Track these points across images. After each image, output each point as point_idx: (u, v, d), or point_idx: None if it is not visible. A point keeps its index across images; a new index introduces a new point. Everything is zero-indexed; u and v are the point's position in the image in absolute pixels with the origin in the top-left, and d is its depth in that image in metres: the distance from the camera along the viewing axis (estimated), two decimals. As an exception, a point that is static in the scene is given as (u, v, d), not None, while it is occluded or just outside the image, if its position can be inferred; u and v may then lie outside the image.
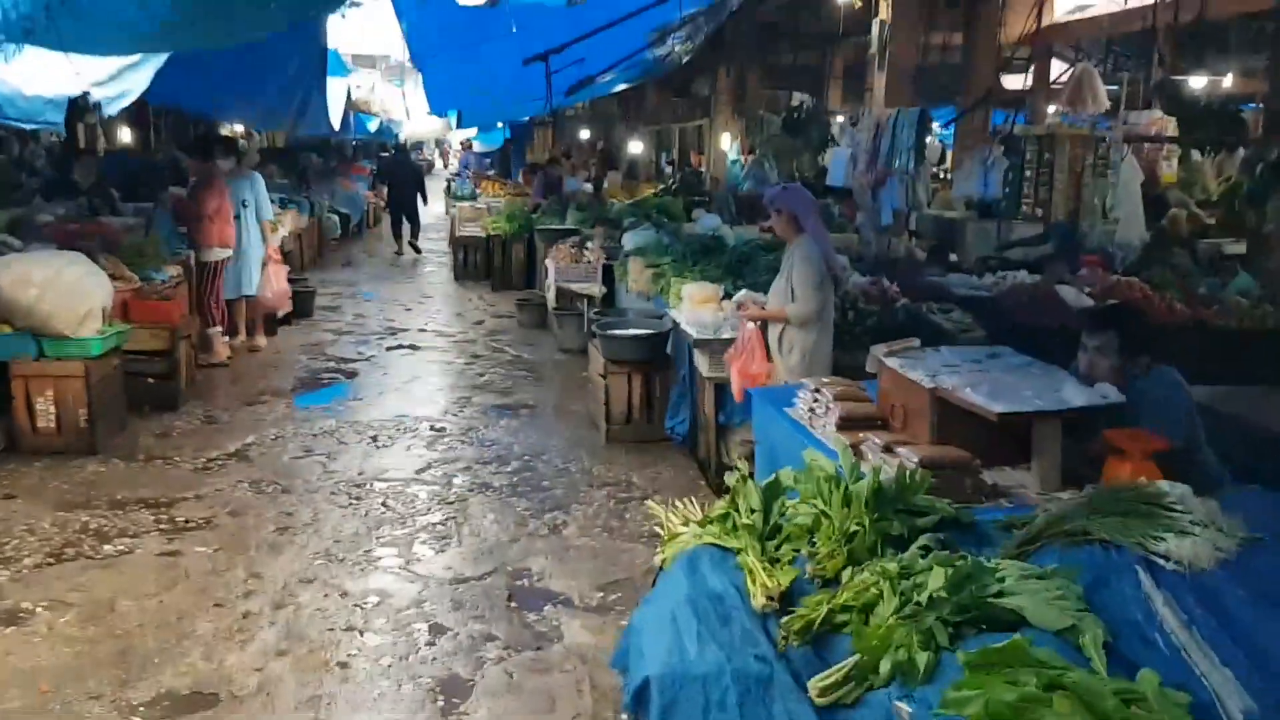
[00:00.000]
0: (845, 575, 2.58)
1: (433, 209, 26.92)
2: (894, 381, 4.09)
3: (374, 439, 6.95)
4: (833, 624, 2.45)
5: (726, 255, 8.27)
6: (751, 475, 3.32)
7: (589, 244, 10.96)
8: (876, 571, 2.49)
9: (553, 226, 13.14)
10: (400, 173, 17.54)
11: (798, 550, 2.77)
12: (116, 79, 6.54)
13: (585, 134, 23.66)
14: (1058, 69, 15.04)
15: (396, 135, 25.67)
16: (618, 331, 7.11)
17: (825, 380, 4.43)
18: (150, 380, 7.48)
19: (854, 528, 2.70)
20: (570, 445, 6.91)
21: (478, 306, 12.69)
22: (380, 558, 5.03)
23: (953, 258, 9.80)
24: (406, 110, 16.27)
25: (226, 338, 9.03)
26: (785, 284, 5.74)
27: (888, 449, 3.67)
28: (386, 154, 26.28)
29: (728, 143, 14.77)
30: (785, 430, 4.43)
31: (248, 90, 7.06)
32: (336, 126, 10.45)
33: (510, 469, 6.42)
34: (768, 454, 4.79)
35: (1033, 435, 3.58)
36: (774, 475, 3.07)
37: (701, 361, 6.44)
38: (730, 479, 3.15)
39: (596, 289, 10.30)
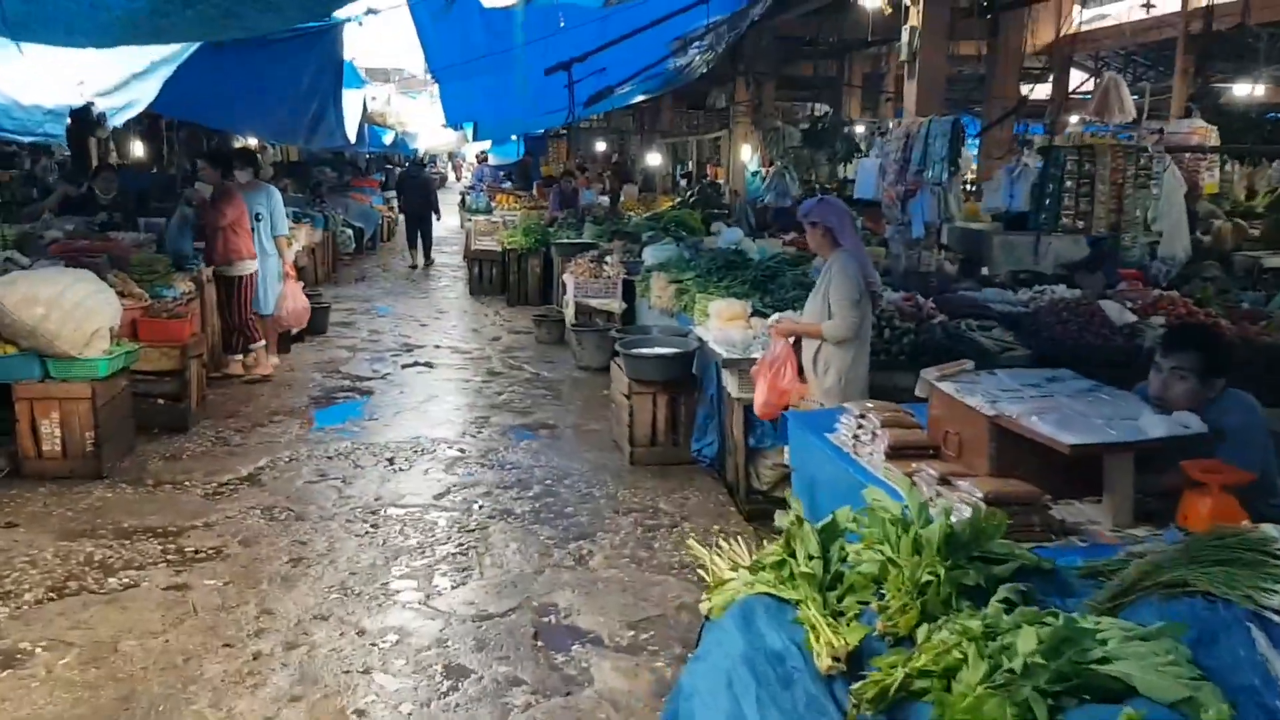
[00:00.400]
0: (920, 633, 2.31)
1: (447, 222, 26.83)
2: (948, 407, 3.81)
3: (390, 461, 6.72)
4: (910, 690, 2.18)
5: (751, 270, 8.02)
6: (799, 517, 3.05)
7: (608, 259, 10.73)
8: (957, 630, 2.22)
9: (570, 240, 12.92)
10: (413, 186, 17.82)
11: (864, 603, 2.50)
12: (123, 88, 6.29)
13: (601, 146, 23.47)
14: (1076, 79, 14.85)
15: (415, 150, 25.59)
16: (643, 351, 6.86)
17: (870, 404, 4.16)
18: (160, 401, 7.27)
19: (927, 578, 2.43)
20: (593, 469, 6.66)
21: (494, 322, 12.47)
22: (398, 591, 4.78)
23: (983, 271, 9.57)
24: (422, 123, 16.09)
25: (268, 353, 9.02)
26: (821, 301, 5.49)
27: (944, 481, 3.40)
28: (400, 168, 26.17)
29: (747, 154, 14.55)
30: (826, 457, 4.17)
31: (261, 102, 6.82)
32: (352, 139, 10.21)
33: (532, 494, 6.16)
34: (806, 482, 4.52)
35: (1104, 467, 3.31)
36: (831, 516, 2.80)
37: (730, 382, 6.18)
38: (783, 520, 2.89)
39: (616, 305, 10.07)
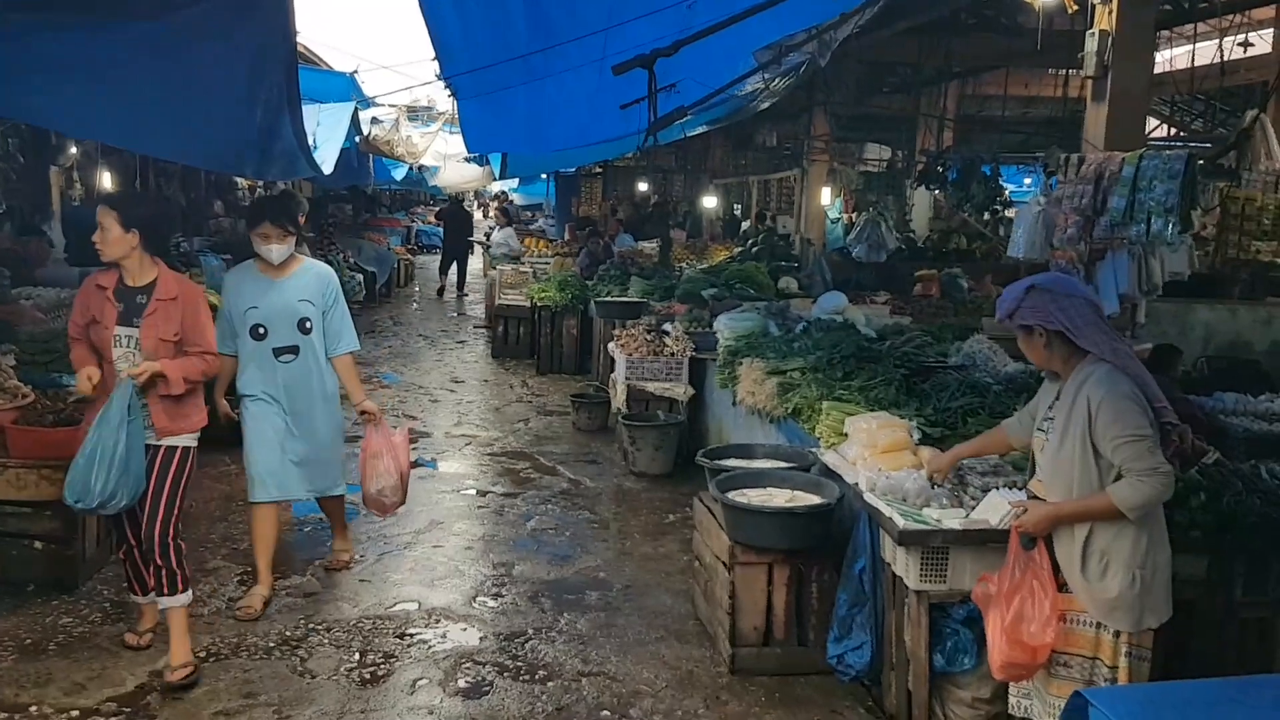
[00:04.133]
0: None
1: (470, 266, 24.74)
2: None
3: (360, 661, 4.37)
4: None
5: (889, 362, 5.65)
6: None
7: (668, 327, 8.43)
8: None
9: (615, 299, 10.64)
10: (455, 221, 19.27)
11: None
12: None
13: (643, 186, 21.30)
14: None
15: (436, 187, 23.55)
16: (752, 498, 4.48)
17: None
18: (36, 545, 4.98)
19: None
20: (674, 683, 4.28)
21: (521, 397, 10.16)
22: None
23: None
24: (439, 156, 14.05)
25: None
26: (1078, 448, 3.17)
27: None
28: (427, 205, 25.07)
29: (827, 198, 12.23)
30: None
31: (178, 112, 4.55)
32: (328, 170, 7.67)
33: (581, 742, 3.81)
34: None
35: None
36: None
37: (900, 560, 3.84)
38: None
39: (682, 391, 7.76)
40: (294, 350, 4.88)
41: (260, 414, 4.89)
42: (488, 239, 18.45)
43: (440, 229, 22.62)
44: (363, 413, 5.12)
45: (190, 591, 4.21)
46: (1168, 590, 3.23)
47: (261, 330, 4.83)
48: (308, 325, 4.90)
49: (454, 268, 19.19)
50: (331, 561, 5.44)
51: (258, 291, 4.85)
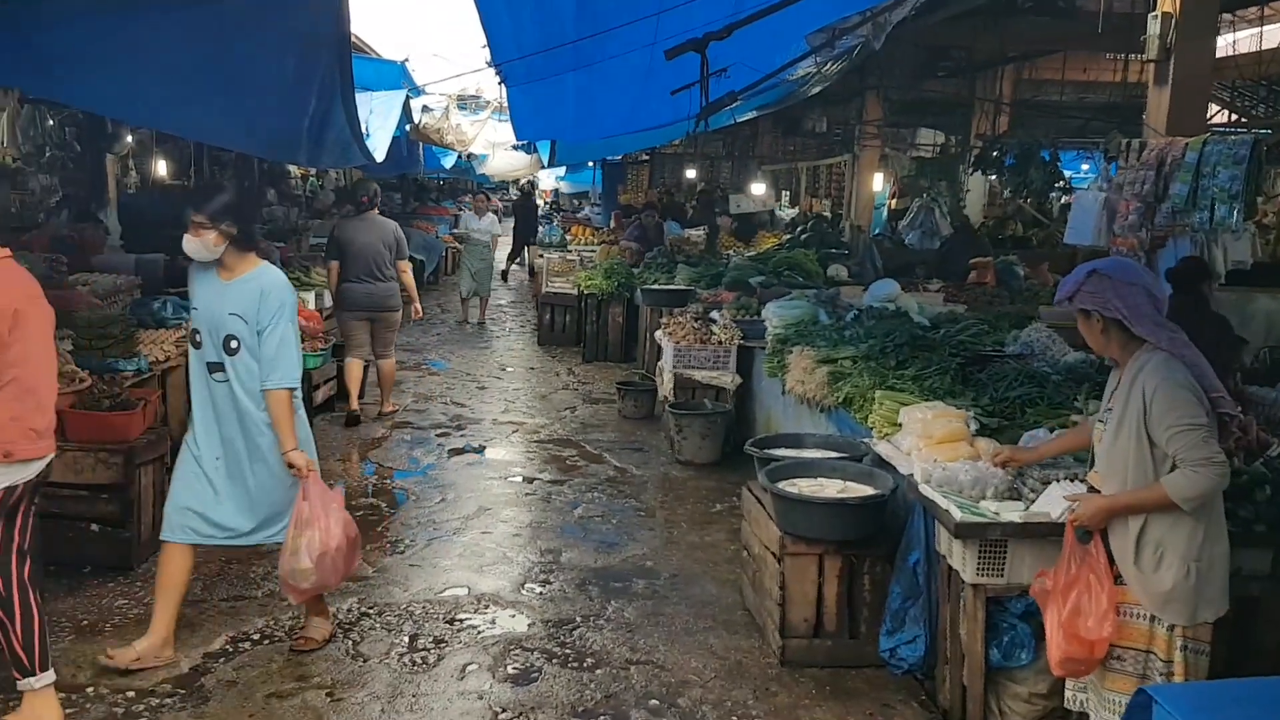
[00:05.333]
0: None
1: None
2: None
3: (411, 645, 4.39)
4: None
5: (949, 351, 5.54)
6: None
7: (715, 315, 8.36)
8: None
9: (661, 287, 10.59)
10: (524, 211, 20.04)
11: None
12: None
13: (691, 174, 21.17)
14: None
15: (484, 175, 23.58)
16: (803, 488, 4.42)
17: None
18: (93, 527, 5.07)
19: None
20: (723, 673, 4.25)
21: (567, 385, 10.17)
22: None
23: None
24: (489, 144, 14.05)
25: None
26: (1133, 438, 3.09)
27: None
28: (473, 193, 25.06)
29: (879, 183, 12.04)
30: None
31: (231, 98, 4.58)
32: (380, 157, 7.69)
33: (630, 730, 3.80)
34: None
35: None
36: None
37: (957, 553, 3.76)
38: None
39: (730, 380, 7.70)
40: (221, 369, 4.05)
41: (191, 440, 4.16)
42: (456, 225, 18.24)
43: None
44: (290, 465, 4.03)
45: (49, 673, 3.51)
46: (1224, 584, 3.14)
47: (198, 338, 4.08)
48: (234, 345, 4.00)
49: (525, 250, 20.00)
50: (296, 641, 4.34)
51: (203, 291, 4.10)
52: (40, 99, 8.10)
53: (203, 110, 4.89)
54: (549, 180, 31.11)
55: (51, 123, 10.21)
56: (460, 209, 29.19)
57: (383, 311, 8.21)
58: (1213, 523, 3.12)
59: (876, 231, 12.68)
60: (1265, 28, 9.79)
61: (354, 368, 8.21)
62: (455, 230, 15.11)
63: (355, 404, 8.21)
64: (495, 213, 16.17)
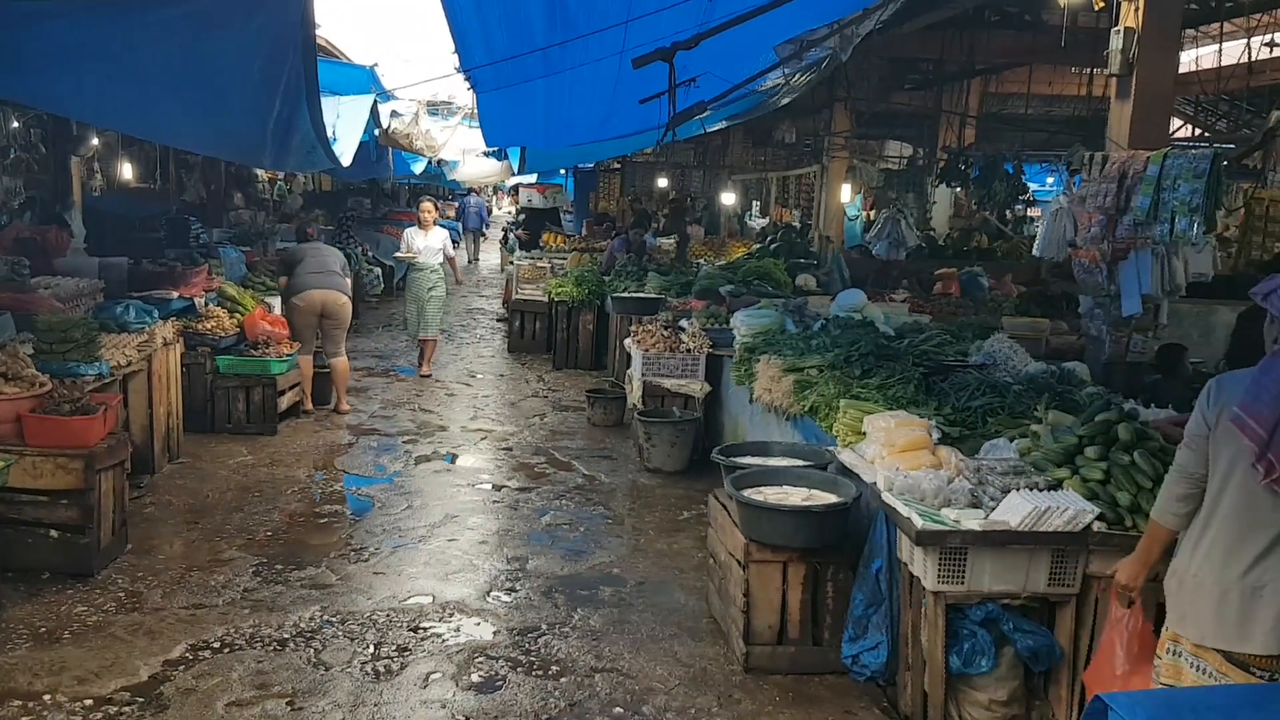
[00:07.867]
0: None
1: (489, 261, 24.77)
2: None
3: (374, 655, 4.36)
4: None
5: (910, 360, 5.60)
6: None
7: (684, 323, 8.39)
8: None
9: (631, 295, 10.60)
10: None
11: None
12: None
13: (663, 182, 21.24)
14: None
15: (455, 182, 23.53)
16: (768, 496, 4.45)
17: None
18: (52, 534, 5.00)
19: None
20: (687, 681, 4.25)
21: (536, 392, 10.15)
22: None
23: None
24: (459, 150, 13.98)
25: None
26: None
27: None
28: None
29: (847, 194, 12.13)
30: None
31: (196, 101, 4.53)
32: (346, 162, 7.65)
33: (593, 739, 3.79)
34: None
35: None
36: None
37: (918, 560, 3.80)
38: None
39: (699, 388, 7.72)
40: None
41: None
42: (505, 239, 18.25)
43: (458, 223, 23.84)
44: None
45: None
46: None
47: None
48: None
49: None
50: None
51: None
52: (4, 100, 8.01)
53: (167, 113, 4.86)
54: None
55: (16, 124, 10.08)
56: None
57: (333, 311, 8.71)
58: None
59: (856, 242, 12.72)
60: (1225, 44, 9.97)
61: (305, 364, 8.68)
62: (397, 254, 11.35)
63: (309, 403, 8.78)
64: (461, 225, 15.61)
